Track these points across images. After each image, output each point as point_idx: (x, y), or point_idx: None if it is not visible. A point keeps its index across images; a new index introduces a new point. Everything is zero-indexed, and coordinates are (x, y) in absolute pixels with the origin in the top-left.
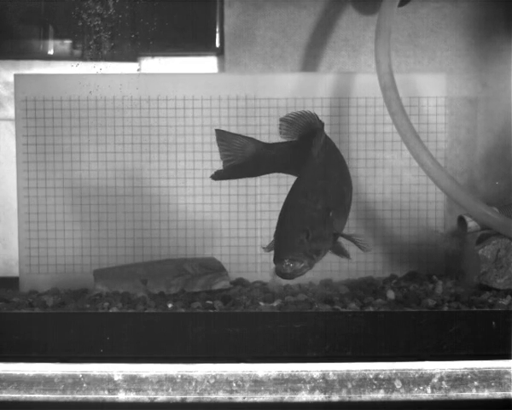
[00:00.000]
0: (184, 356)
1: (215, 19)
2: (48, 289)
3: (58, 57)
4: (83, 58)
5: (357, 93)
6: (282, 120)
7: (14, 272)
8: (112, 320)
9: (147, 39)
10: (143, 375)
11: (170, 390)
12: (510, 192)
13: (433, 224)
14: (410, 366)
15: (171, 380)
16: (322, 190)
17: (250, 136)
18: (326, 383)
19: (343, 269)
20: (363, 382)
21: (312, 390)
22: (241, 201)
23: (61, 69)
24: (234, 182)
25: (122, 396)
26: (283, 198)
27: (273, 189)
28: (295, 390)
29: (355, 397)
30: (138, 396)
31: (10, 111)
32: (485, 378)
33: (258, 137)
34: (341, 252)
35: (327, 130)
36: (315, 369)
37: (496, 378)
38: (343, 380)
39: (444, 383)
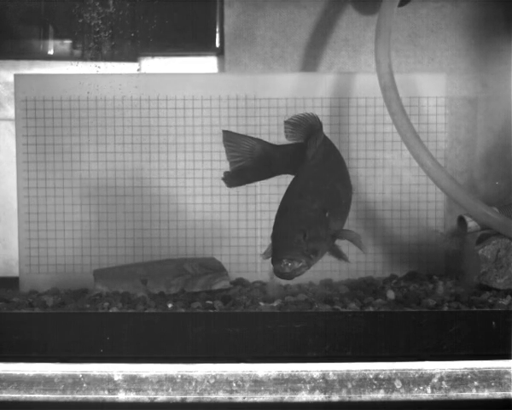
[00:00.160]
0: (184, 356)
1: (215, 19)
2: (48, 289)
3: (58, 57)
4: (83, 58)
5: (357, 93)
6: (286, 122)
7: (14, 272)
8: (112, 320)
9: (147, 39)
10: (143, 375)
11: (170, 390)
12: (510, 192)
13: (433, 224)
14: (410, 366)
15: (171, 380)
16: (317, 190)
17: (257, 137)
18: (326, 383)
19: (343, 269)
20: (363, 382)
21: (312, 390)
22: (241, 201)
23: (61, 69)
24: None
25: (122, 396)
26: None
27: (273, 189)
28: (295, 390)
29: (355, 397)
30: (138, 396)
31: (10, 111)
32: (485, 378)
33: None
34: (339, 254)
35: (327, 130)
36: (315, 369)
37: (496, 378)
38: (343, 380)
39: (444, 383)
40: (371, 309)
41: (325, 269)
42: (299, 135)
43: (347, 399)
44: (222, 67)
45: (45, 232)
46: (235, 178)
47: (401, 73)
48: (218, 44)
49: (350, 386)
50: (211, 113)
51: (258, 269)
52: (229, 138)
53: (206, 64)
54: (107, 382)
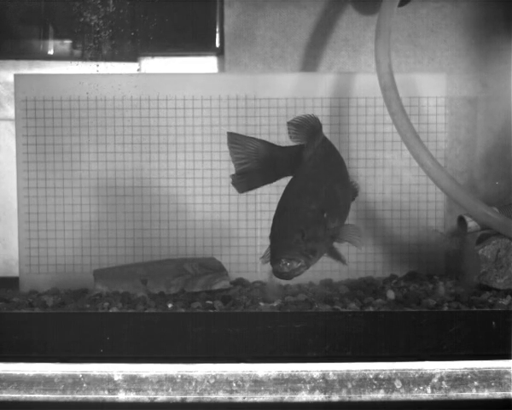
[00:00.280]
0: (184, 356)
1: (215, 19)
2: (48, 289)
3: (58, 57)
4: (83, 58)
5: (357, 93)
6: (289, 123)
7: (14, 272)
8: (112, 320)
9: (147, 39)
10: (143, 375)
11: (170, 390)
12: (510, 192)
13: (433, 224)
14: (410, 366)
15: (171, 380)
16: (315, 191)
17: (263, 138)
18: (326, 383)
19: (343, 269)
20: (363, 382)
21: (312, 390)
22: (241, 201)
23: (61, 69)
24: None
25: (122, 396)
26: None
27: (273, 189)
28: (295, 390)
29: (355, 397)
30: (138, 396)
31: (10, 111)
32: (485, 378)
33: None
34: (337, 257)
35: (327, 130)
36: (315, 369)
37: (496, 378)
38: (343, 380)
39: (444, 383)
40: (371, 309)
41: (325, 269)
42: (303, 136)
43: (347, 399)
44: (222, 67)
45: (45, 232)
46: (244, 182)
47: (401, 73)
48: (218, 44)
49: (350, 386)
50: (211, 113)
51: (258, 269)
52: (234, 140)
53: (206, 64)
54: (107, 382)
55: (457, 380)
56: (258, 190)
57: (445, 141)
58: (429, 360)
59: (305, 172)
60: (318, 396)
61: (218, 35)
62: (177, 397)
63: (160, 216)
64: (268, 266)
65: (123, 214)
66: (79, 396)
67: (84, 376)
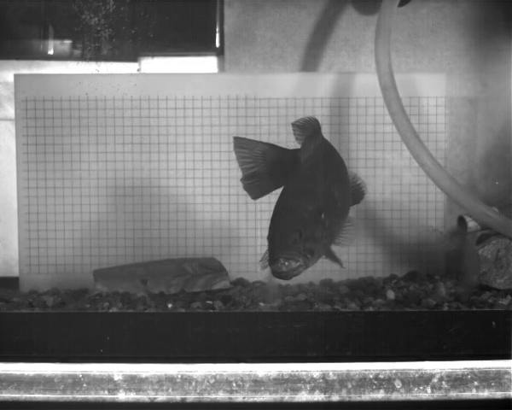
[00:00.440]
0: (184, 356)
1: (215, 19)
2: (48, 289)
3: (58, 57)
4: (83, 58)
5: (357, 93)
6: (293, 125)
7: (14, 272)
8: (112, 320)
9: (147, 39)
10: (143, 375)
11: (170, 390)
12: (510, 192)
13: (433, 224)
14: (410, 366)
15: (171, 380)
16: (312, 192)
17: (268, 141)
18: (326, 383)
19: (343, 269)
20: (363, 382)
21: (312, 390)
22: (241, 201)
23: (61, 69)
24: (233, 181)
25: (122, 396)
26: None
27: None
28: (295, 390)
29: (355, 397)
30: (138, 396)
31: (10, 111)
32: (485, 378)
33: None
34: (334, 259)
35: (327, 130)
36: (315, 369)
37: (496, 378)
38: (343, 380)
39: (444, 383)
40: (371, 309)
41: (325, 269)
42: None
43: (347, 399)
44: (222, 67)
45: (45, 232)
46: (256, 187)
47: (401, 73)
48: (218, 44)
49: (350, 386)
50: (211, 113)
51: (259, 269)
52: (241, 145)
53: (206, 64)
54: (107, 382)
55: (457, 380)
56: None
57: (444, 141)
58: (429, 360)
59: (302, 173)
60: (318, 396)
61: (218, 35)
62: (177, 397)
63: (159, 216)
64: (267, 271)
65: (123, 214)
66: (79, 396)
67: (84, 376)
